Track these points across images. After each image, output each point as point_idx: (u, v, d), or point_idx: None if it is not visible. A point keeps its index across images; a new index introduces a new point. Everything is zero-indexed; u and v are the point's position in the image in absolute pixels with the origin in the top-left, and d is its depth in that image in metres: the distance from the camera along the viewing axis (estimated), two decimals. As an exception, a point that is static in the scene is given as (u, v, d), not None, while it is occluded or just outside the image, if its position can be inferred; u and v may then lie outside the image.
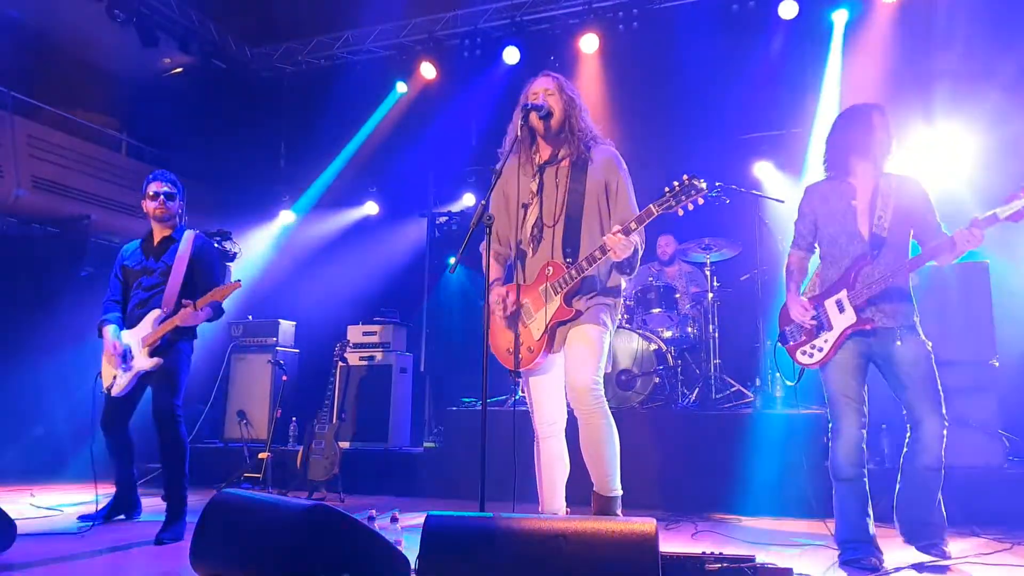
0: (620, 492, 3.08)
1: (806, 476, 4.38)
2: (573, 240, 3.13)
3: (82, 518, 4.23)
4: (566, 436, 3.23)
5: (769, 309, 5.51)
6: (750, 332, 6.16)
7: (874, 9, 6.66)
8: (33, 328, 7.27)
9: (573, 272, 3.04)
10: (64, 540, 3.77)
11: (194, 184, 4.47)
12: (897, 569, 3.17)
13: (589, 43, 7.33)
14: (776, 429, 4.94)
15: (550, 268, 3.12)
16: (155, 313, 4.11)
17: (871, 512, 3.31)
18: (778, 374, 5.40)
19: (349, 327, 6.83)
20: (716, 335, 5.97)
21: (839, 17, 6.77)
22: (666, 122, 7.31)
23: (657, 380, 5.56)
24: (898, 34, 6.55)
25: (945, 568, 3.20)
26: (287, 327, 7.11)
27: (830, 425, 3.37)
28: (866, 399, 3.33)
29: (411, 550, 2.49)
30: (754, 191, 6.02)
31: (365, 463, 5.96)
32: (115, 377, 4.14)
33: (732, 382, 5.87)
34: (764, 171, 7.05)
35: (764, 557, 2.78)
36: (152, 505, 4.40)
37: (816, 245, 3.52)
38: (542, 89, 3.22)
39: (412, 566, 2.60)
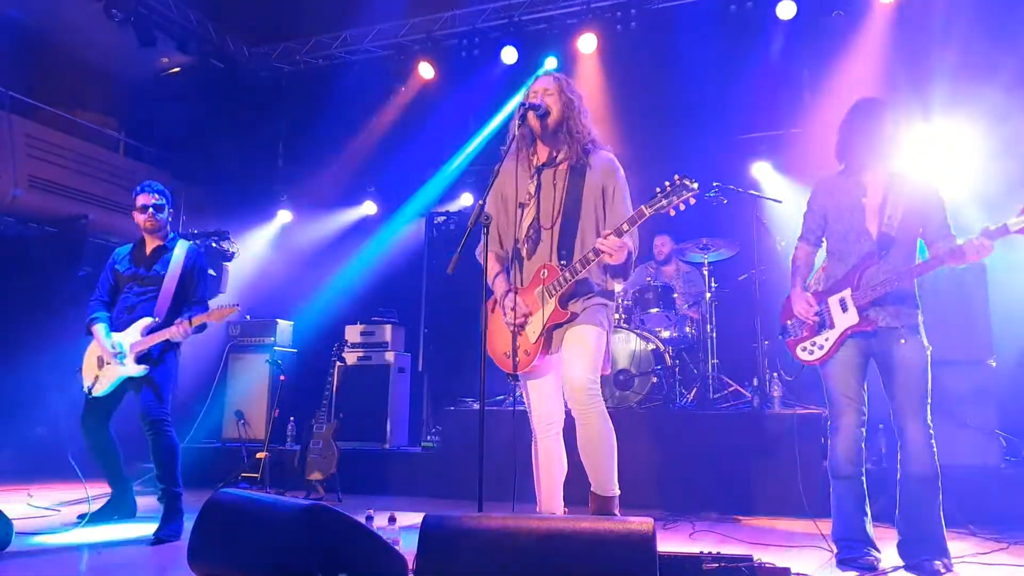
0: (618, 492, 3.08)
1: (804, 476, 4.38)
2: (569, 243, 3.13)
3: (80, 518, 4.23)
4: (564, 436, 3.23)
5: (767, 309, 5.50)
6: (748, 332, 6.16)
7: (872, 9, 6.66)
8: (30, 328, 7.26)
9: (567, 274, 3.05)
10: (61, 539, 3.77)
11: (192, 184, 4.46)
12: (895, 568, 3.18)
13: (587, 43, 7.33)
14: (774, 429, 4.95)
15: (544, 271, 3.13)
16: (145, 321, 4.13)
17: (868, 511, 3.31)
18: (775, 374, 5.41)
19: (347, 327, 6.82)
20: (714, 335, 5.98)
21: (836, 17, 6.77)
22: (664, 122, 7.32)
23: (655, 380, 5.56)
24: (896, 34, 6.56)
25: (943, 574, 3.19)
26: (285, 327, 7.11)
27: (829, 423, 3.37)
28: (866, 398, 3.32)
29: (409, 550, 2.49)
30: (752, 191, 6.02)
31: (363, 463, 5.96)
32: (97, 377, 4.16)
33: (730, 382, 5.88)
34: (762, 171, 7.05)
35: (762, 556, 2.78)
36: (148, 505, 4.40)
37: (824, 240, 3.49)
38: (542, 88, 3.22)
39: (410, 566, 2.60)
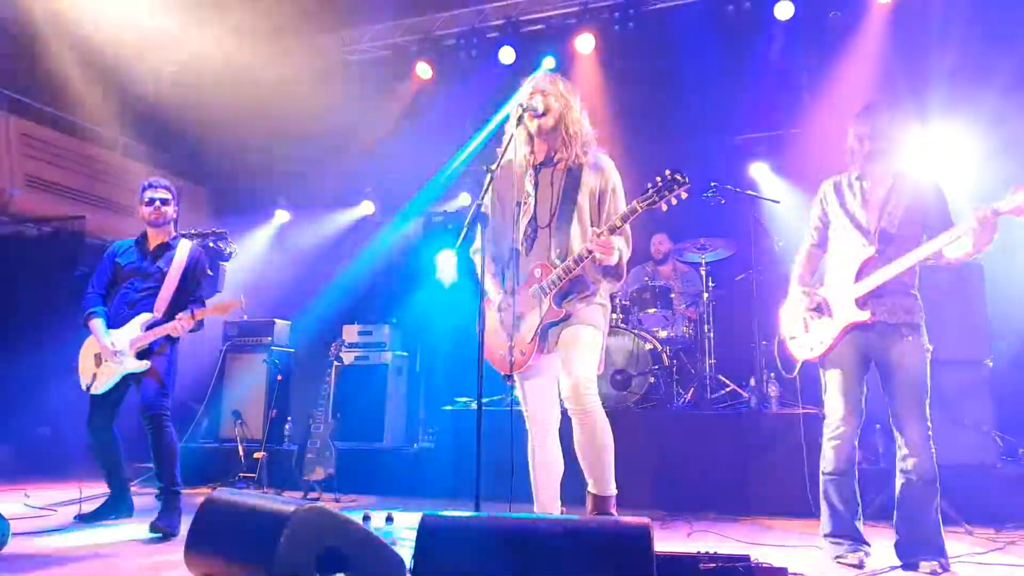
0: (615, 491, 3.09)
1: (802, 475, 4.38)
2: (564, 242, 3.13)
3: (77, 518, 4.23)
4: (560, 436, 3.23)
5: (765, 309, 5.51)
6: (745, 332, 6.16)
7: (869, 10, 6.67)
8: (28, 328, 7.25)
9: (561, 273, 3.05)
10: (58, 539, 3.76)
11: (189, 183, 4.46)
12: (893, 568, 3.18)
13: (585, 43, 7.34)
14: (771, 429, 4.95)
15: (538, 270, 3.13)
16: (144, 317, 4.13)
17: (860, 510, 3.32)
18: (772, 374, 5.41)
19: (344, 327, 6.82)
20: (711, 335, 5.98)
21: (834, 18, 6.77)
22: (661, 122, 7.33)
23: (652, 380, 5.56)
24: (894, 35, 6.57)
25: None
26: (282, 327, 7.10)
27: (823, 421, 3.38)
28: (863, 398, 3.33)
29: (406, 550, 2.49)
30: (749, 192, 6.03)
31: (360, 463, 5.95)
32: (95, 375, 4.15)
33: (727, 382, 5.88)
34: (760, 172, 7.06)
35: (759, 556, 2.78)
36: (146, 504, 4.39)
37: (828, 240, 3.51)
38: (539, 89, 3.22)
39: (407, 566, 2.60)
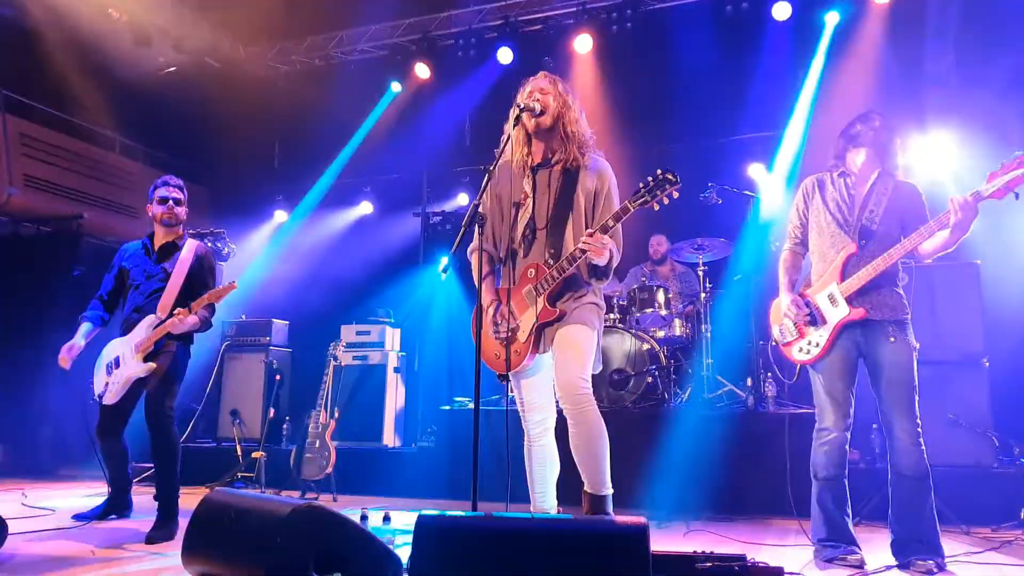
0: (611, 491, 3.09)
1: (798, 475, 4.39)
2: (559, 243, 3.14)
3: (75, 517, 4.23)
4: (557, 435, 3.24)
5: (762, 309, 5.52)
6: (743, 332, 6.17)
7: (867, 11, 6.68)
8: (25, 328, 7.25)
9: (554, 273, 3.06)
10: (55, 539, 3.77)
11: (187, 183, 4.45)
12: (889, 567, 3.19)
13: (583, 44, 7.35)
14: (768, 429, 4.96)
15: (532, 270, 3.14)
16: (150, 319, 4.12)
17: (850, 512, 3.34)
18: (770, 374, 5.42)
19: (343, 327, 6.82)
20: (709, 335, 5.99)
21: (831, 19, 6.79)
22: (660, 123, 7.33)
23: (650, 380, 5.57)
24: (891, 35, 6.58)
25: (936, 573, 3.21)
26: (280, 326, 7.11)
27: (816, 424, 3.40)
28: (853, 401, 3.34)
29: (403, 549, 2.50)
30: (747, 192, 6.04)
31: (358, 462, 5.96)
32: (107, 384, 4.14)
33: (725, 382, 5.89)
34: (758, 172, 7.07)
35: (756, 556, 2.79)
36: (144, 504, 4.40)
37: (809, 240, 3.53)
38: (538, 88, 3.23)
39: (404, 566, 2.60)
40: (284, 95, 8.72)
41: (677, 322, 6.06)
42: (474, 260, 3.23)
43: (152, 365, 4.04)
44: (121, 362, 4.11)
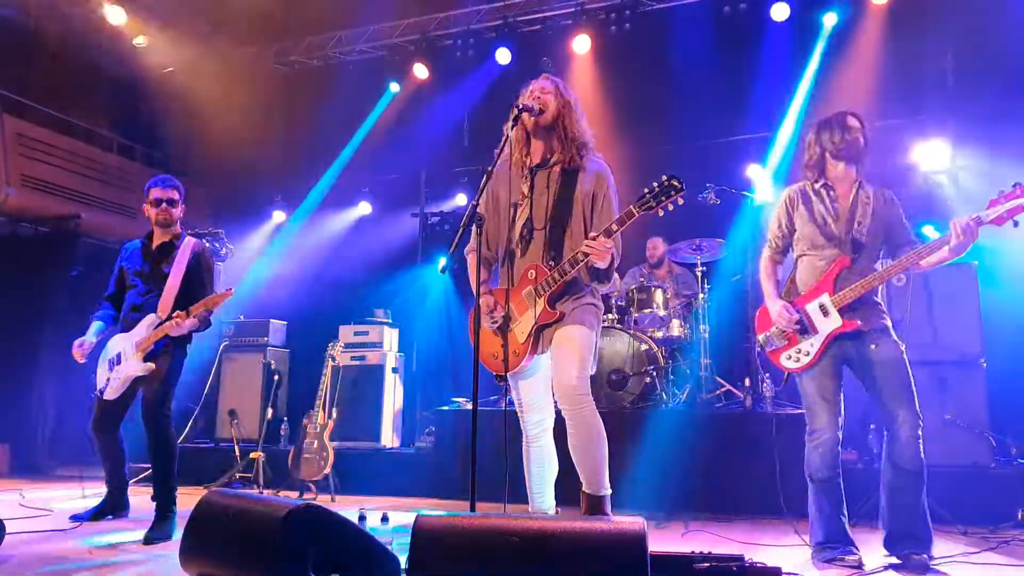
0: (609, 491, 3.09)
1: (795, 476, 4.39)
2: (558, 244, 3.14)
3: (72, 518, 4.22)
4: (555, 436, 3.24)
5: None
6: (740, 332, 6.18)
7: (865, 11, 6.68)
8: (22, 328, 7.23)
9: (555, 275, 3.06)
10: (52, 539, 3.76)
11: (185, 183, 4.45)
12: (886, 568, 3.19)
13: (581, 44, 7.35)
14: (766, 429, 4.95)
15: (532, 271, 3.14)
16: (151, 318, 4.14)
17: (846, 512, 3.35)
18: (767, 374, 5.43)
19: (341, 327, 6.82)
20: (707, 335, 5.99)
21: (829, 20, 6.79)
22: (657, 123, 7.33)
23: (648, 380, 5.57)
24: (889, 36, 6.59)
25: (931, 566, 3.22)
26: (278, 327, 7.10)
27: (806, 428, 3.41)
28: (843, 401, 3.37)
29: (401, 550, 2.49)
30: (745, 192, 6.05)
31: (356, 463, 5.96)
32: (108, 379, 4.16)
33: (722, 382, 5.89)
34: (755, 172, 7.07)
35: (754, 556, 2.80)
36: (142, 504, 4.39)
37: (791, 248, 3.57)
38: (538, 88, 3.23)
39: (402, 566, 2.60)
40: (282, 95, 8.72)
41: (675, 322, 6.06)
42: (471, 260, 3.23)
43: (151, 365, 4.06)
44: (123, 359, 4.14)
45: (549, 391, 3.20)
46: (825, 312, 3.33)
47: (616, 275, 3.47)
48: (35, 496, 5.16)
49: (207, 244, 4.60)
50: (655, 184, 2.92)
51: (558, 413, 3.18)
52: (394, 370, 6.67)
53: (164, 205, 4.27)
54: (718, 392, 5.84)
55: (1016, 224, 3.04)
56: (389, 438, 6.40)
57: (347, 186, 8.54)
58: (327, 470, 5.38)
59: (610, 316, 5.96)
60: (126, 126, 8.49)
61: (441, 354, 7.82)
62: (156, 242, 4.33)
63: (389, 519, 4.41)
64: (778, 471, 4.04)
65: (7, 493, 5.32)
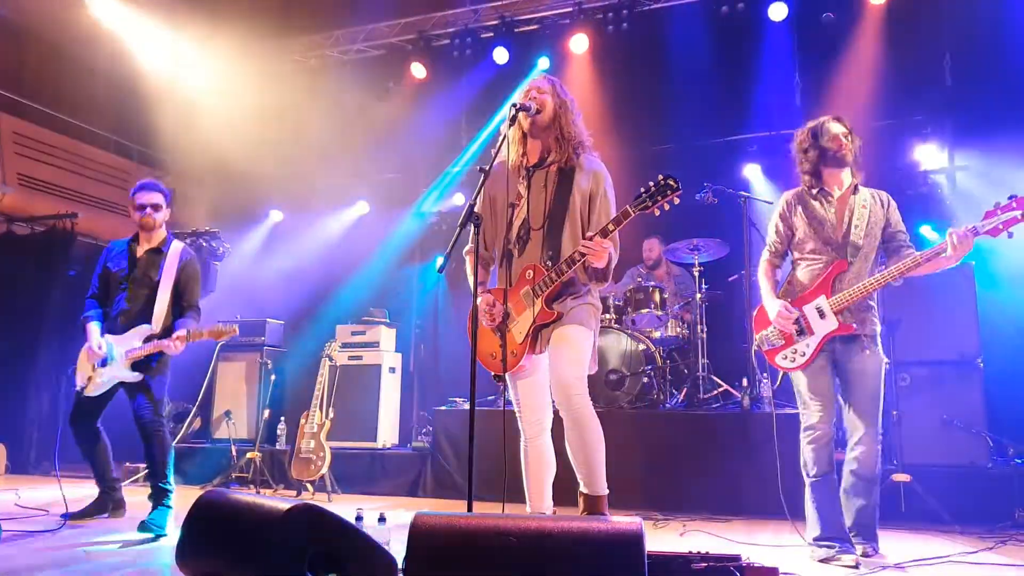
0: (606, 491, 3.09)
1: (793, 475, 4.39)
2: (556, 244, 3.13)
3: (64, 516, 4.21)
4: (552, 436, 3.24)
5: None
6: (738, 332, 6.18)
7: (863, 11, 6.69)
8: (19, 327, 7.22)
9: (553, 275, 3.05)
10: (49, 539, 3.75)
11: (183, 183, 4.45)
12: (885, 567, 3.20)
13: (579, 44, 7.35)
14: (764, 429, 4.96)
15: (530, 271, 3.13)
16: (144, 329, 4.15)
17: (842, 508, 3.38)
18: (765, 374, 5.43)
19: (338, 327, 6.81)
20: (704, 335, 5.99)
21: (827, 19, 6.79)
22: (655, 123, 7.33)
23: (646, 380, 5.57)
24: (887, 36, 6.59)
25: (928, 566, 3.22)
26: (275, 326, 7.09)
27: (801, 426, 3.44)
28: (836, 399, 3.42)
29: (398, 550, 2.49)
30: (743, 192, 6.04)
31: (353, 463, 5.96)
32: (90, 377, 4.15)
33: (720, 382, 5.89)
34: (753, 172, 7.08)
35: (751, 556, 2.79)
36: (138, 504, 4.38)
37: (789, 252, 3.61)
38: (536, 87, 3.22)
39: (399, 566, 2.60)
40: (279, 95, 8.70)
41: (672, 322, 6.07)
42: (469, 260, 3.22)
43: (138, 375, 4.12)
44: (109, 361, 4.12)
45: (547, 391, 3.19)
46: (822, 314, 3.37)
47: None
48: (31, 496, 5.14)
49: (205, 245, 4.60)
50: (651, 184, 2.92)
51: (556, 413, 3.17)
52: (391, 370, 6.66)
53: (148, 210, 4.27)
54: (715, 392, 5.84)
55: (1011, 236, 3.11)
56: (386, 438, 6.39)
57: (345, 185, 8.53)
58: (324, 470, 5.37)
59: (608, 316, 5.96)
60: (123, 126, 8.48)
61: (439, 354, 7.81)
62: (142, 246, 4.32)
63: (386, 519, 4.39)
64: (777, 471, 4.04)
65: (3, 492, 5.30)
